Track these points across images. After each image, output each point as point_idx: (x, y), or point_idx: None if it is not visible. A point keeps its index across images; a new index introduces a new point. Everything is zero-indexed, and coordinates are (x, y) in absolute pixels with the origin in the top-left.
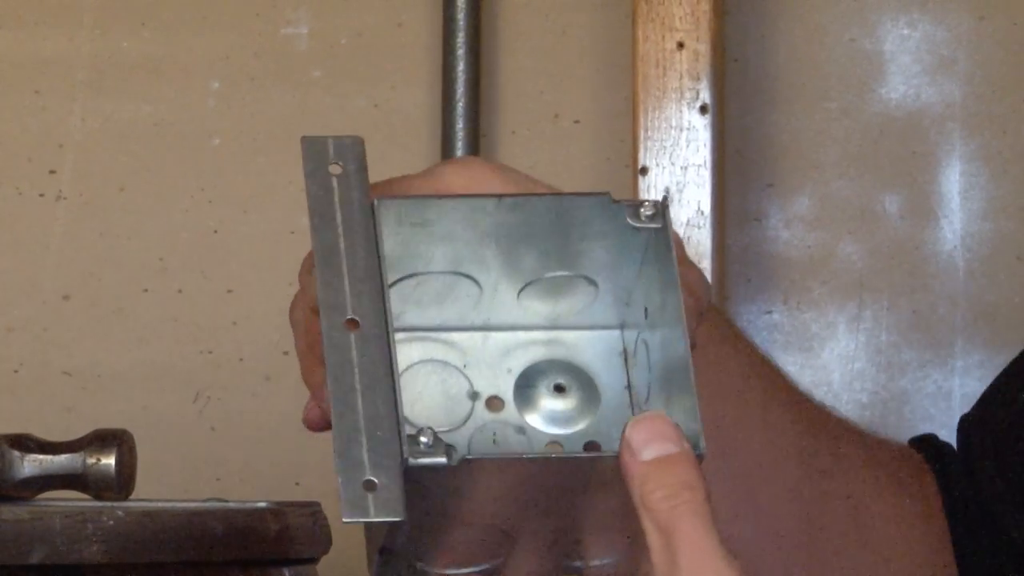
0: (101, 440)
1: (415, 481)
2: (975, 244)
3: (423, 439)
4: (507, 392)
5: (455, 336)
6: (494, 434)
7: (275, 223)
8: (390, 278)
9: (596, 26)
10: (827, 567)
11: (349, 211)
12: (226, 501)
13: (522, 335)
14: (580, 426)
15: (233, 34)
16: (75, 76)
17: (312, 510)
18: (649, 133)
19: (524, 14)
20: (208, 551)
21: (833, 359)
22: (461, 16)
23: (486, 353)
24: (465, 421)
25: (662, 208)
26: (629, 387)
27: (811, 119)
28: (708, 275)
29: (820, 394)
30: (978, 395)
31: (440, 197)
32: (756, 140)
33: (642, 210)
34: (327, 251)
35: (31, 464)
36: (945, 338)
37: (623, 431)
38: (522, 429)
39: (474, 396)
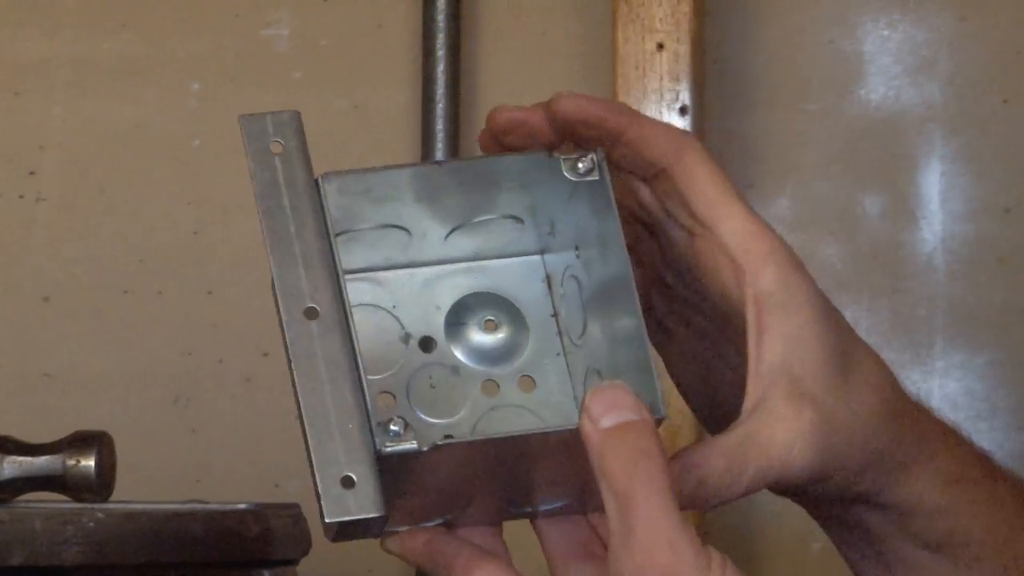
0: (81, 442)
1: (388, 468)
2: (955, 245)
3: (393, 427)
4: (438, 331)
5: (381, 275)
6: (431, 377)
7: (255, 224)
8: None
9: (576, 27)
10: None
11: (294, 190)
12: (206, 503)
13: (448, 267)
14: (514, 362)
15: (214, 35)
16: (55, 77)
17: (292, 512)
18: None
19: (504, 16)
20: (188, 553)
21: None
22: (441, 18)
23: (413, 290)
24: (400, 364)
25: (599, 161)
26: (555, 315)
27: (791, 121)
28: None
29: None
30: (957, 396)
31: (383, 168)
32: (736, 141)
33: (580, 164)
34: (278, 235)
35: (11, 466)
36: (925, 339)
37: (582, 399)
38: (456, 369)
39: (407, 338)
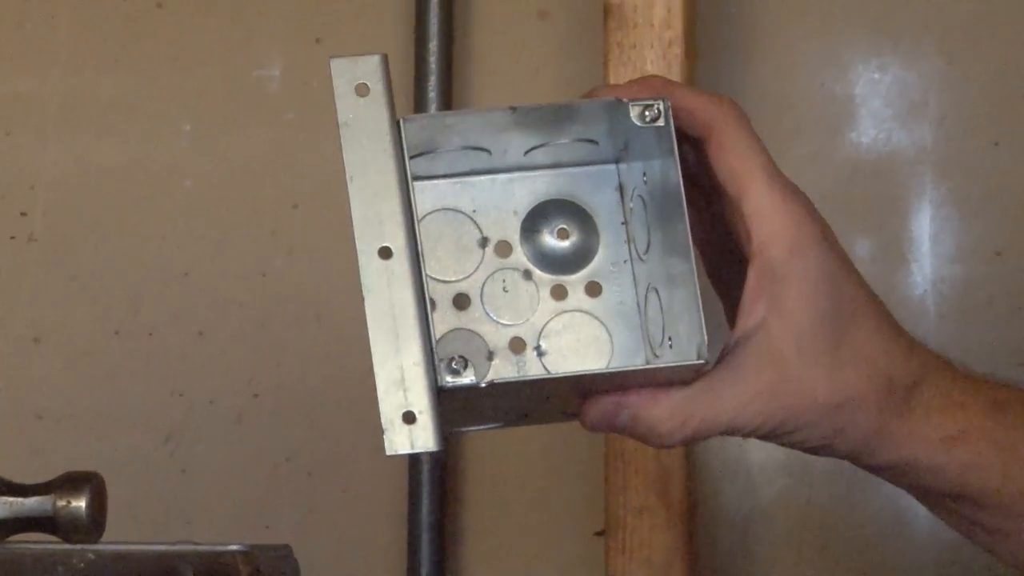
0: (72, 482)
1: (450, 397)
2: (946, 288)
3: (454, 365)
4: (514, 236)
5: (464, 180)
6: (504, 281)
7: (246, 265)
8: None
9: (569, 67)
10: None
11: (377, 131)
12: (197, 544)
13: (527, 174)
14: (581, 271)
15: (205, 76)
16: (47, 116)
17: (282, 553)
18: None
19: (497, 61)
20: None
21: None
22: (432, 59)
23: (493, 195)
24: (477, 268)
25: (664, 109)
26: (625, 223)
27: (782, 163)
28: None
29: None
30: None
31: (461, 112)
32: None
33: (647, 112)
34: (359, 174)
35: (1, 506)
36: None
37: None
38: (529, 274)
39: (484, 243)
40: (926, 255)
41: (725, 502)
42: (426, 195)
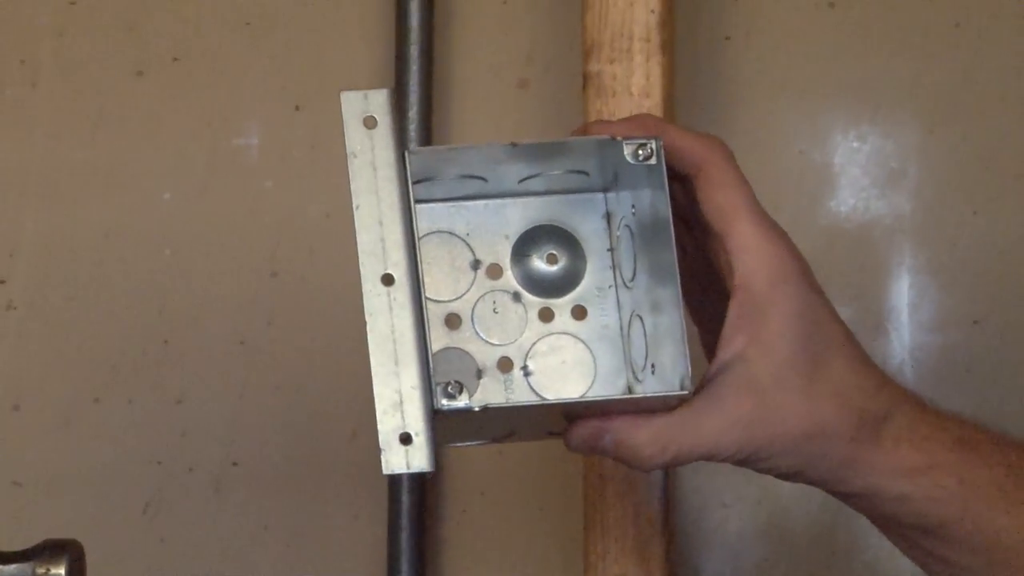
0: (51, 550)
1: (444, 418)
2: (924, 356)
3: (449, 389)
4: (505, 259)
5: (459, 204)
6: (494, 303)
7: (225, 333)
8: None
9: (547, 135)
10: None
11: (383, 162)
12: None
13: (519, 200)
14: (568, 294)
15: (185, 145)
16: (27, 185)
17: None
18: None
19: (473, 133)
20: None
21: None
22: (412, 127)
23: (486, 219)
24: (468, 289)
25: (657, 148)
26: (611, 249)
27: None
28: None
29: (772, 498)
30: None
31: (463, 147)
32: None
33: (640, 151)
34: (364, 199)
35: None
36: None
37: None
38: (518, 296)
39: (476, 265)
40: (904, 324)
41: (704, 569)
42: (422, 218)
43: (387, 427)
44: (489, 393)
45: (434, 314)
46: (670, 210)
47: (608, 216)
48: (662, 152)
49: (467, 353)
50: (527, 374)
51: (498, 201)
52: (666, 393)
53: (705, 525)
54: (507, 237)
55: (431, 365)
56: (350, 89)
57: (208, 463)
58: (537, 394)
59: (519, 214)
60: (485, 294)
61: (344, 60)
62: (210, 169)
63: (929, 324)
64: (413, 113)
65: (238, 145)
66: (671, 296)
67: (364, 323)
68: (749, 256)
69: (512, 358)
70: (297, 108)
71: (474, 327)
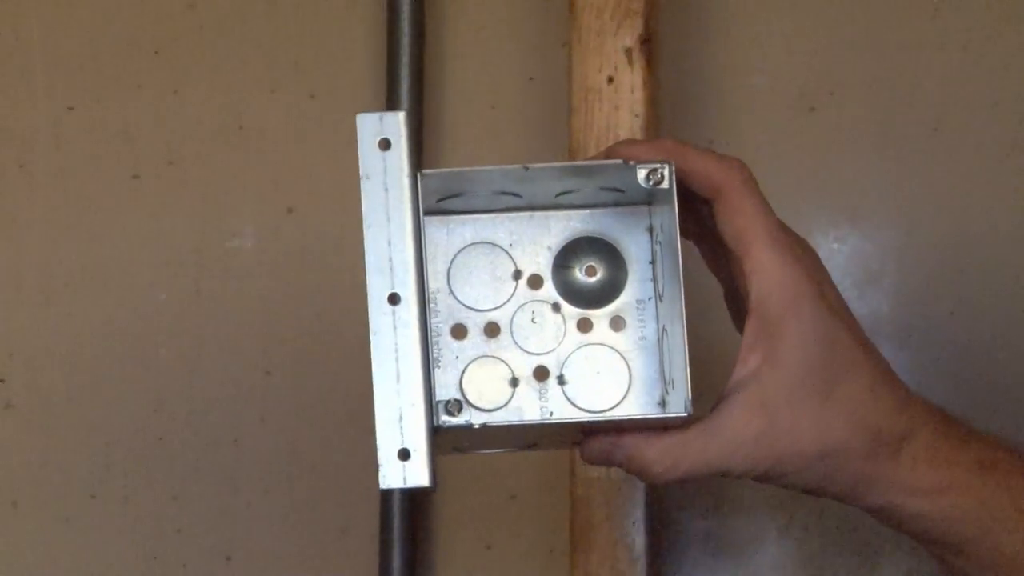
0: None
1: (447, 434)
2: None
3: (449, 407)
4: (546, 270)
5: (501, 216)
6: (532, 313)
7: (219, 431)
8: (434, 201)
9: None
10: None
11: (396, 182)
12: None
13: (562, 212)
14: (608, 306)
15: (180, 246)
16: (24, 285)
17: None
18: None
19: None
20: None
21: (764, 566)
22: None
23: (530, 230)
24: (509, 299)
25: (668, 174)
26: (653, 261)
27: None
28: (641, 483)
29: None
30: None
31: (476, 168)
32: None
33: (651, 175)
34: (374, 219)
35: None
36: (873, 544)
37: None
38: (557, 306)
39: (517, 275)
40: None
41: None
42: (466, 228)
43: (385, 442)
44: (524, 401)
45: (474, 322)
46: (678, 237)
47: (651, 229)
48: (673, 177)
49: (503, 361)
50: (562, 383)
51: (541, 213)
52: (665, 415)
53: None
54: (549, 248)
55: (434, 383)
56: (367, 111)
57: (202, 559)
58: (572, 403)
59: (562, 225)
60: (525, 304)
61: (335, 164)
62: (204, 270)
63: None
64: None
65: (231, 247)
66: (677, 323)
67: (368, 343)
68: (764, 279)
69: (548, 367)
70: (289, 211)
71: (512, 336)
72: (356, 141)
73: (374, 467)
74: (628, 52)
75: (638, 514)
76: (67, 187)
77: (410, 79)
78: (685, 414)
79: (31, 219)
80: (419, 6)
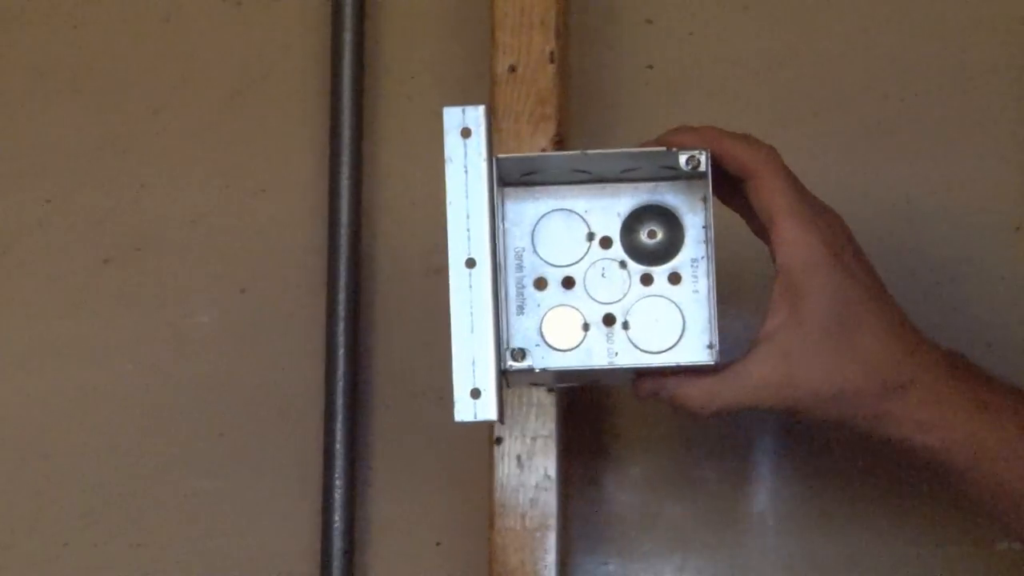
0: None
1: (515, 376)
2: (783, 505)
3: (515, 354)
4: (615, 233)
5: (577, 187)
6: (603, 269)
7: (188, 486)
8: (519, 176)
9: None
10: None
11: (475, 165)
12: None
13: (629, 184)
14: (667, 263)
15: (145, 322)
16: (6, 356)
17: None
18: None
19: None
20: None
21: None
22: (341, 311)
23: (603, 199)
24: (582, 257)
25: (705, 160)
26: (706, 227)
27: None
28: (553, 532)
29: None
30: None
31: (541, 154)
32: (592, 413)
33: (690, 161)
34: (455, 196)
35: None
36: None
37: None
38: (624, 264)
39: (590, 237)
40: (767, 476)
41: None
42: (549, 197)
43: (460, 383)
44: (593, 343)
45: (553, 276)
46: (712, 215)
47: (705, 199)
48: (709, 162)
49: (577, 309)
50: (626, 328)
51: (612, 185)
52: (691, 363)
53: None
54: (619, 215)
55: (505, 333)
56: (452, 105)
57: None
58: (634, 345)
59: (630, 195)
60: (596, 261)
61: (282, 251)
62: (167, 344)
63: (793, 476)
64: (340, 296)
65: (192, 323)
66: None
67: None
68: (787, 247)
69: (615, 315)
70: (242, 291)
71: (585, 288)
72: (441, 132)
73: (449, 404)
74: (543, 152)
75: (550, 559)
76: (46, 270)
77: (350, 182)
78: (711, 363)
79: (13, 297)
80: (358, 117)
